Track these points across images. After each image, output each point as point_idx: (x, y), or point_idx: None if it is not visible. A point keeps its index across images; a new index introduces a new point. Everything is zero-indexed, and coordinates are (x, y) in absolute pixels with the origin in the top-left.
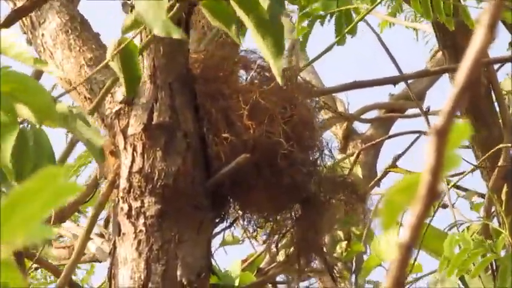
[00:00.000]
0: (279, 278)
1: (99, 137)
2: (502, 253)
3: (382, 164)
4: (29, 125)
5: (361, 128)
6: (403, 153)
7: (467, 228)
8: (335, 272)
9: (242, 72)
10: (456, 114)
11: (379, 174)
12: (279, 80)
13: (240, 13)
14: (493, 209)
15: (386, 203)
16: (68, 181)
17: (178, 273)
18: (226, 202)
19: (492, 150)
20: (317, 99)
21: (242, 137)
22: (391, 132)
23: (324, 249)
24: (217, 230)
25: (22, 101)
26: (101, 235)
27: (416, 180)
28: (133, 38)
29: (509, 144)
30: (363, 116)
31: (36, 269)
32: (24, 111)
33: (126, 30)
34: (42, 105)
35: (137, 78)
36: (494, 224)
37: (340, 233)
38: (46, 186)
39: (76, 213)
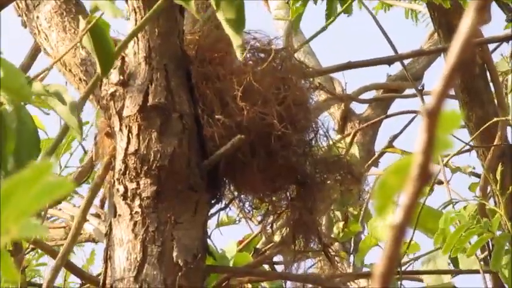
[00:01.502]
0: (276, 258)
1: (76, 113)
2: (498, 233)
3: (380, 145)
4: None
5: (359, 109)
6: (400, 133)
7: (464, 208)
8: (331, 252)
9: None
10: (448, 95)
11: (378, 151)
12: (238, 55)
13: None
14: (488, 189)
15: (380, 187)
16: (59, 178)
17: (175, 254)
18: (222, 183)
19: (487, 124)
20: (311, 79)
21: (235, 119)
22: (388, 113)
23: (320, 230)
24: (213, 211)
25: None
26: (97, 215)
27: (409, 162)
28: (101, 15)
29: (505, 118)
30: (360, 97)
31: (32, 249)
32: None
33: (95, 10)
34: (15, 86)
35: (110, 56)
36: (490, 203)
37: (338, 214)
38: (37, 180)
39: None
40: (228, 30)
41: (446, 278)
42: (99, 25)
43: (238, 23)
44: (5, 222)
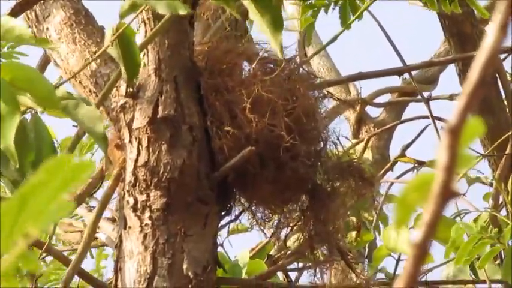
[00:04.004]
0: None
1: (101, 121)
2: (510, 242)
3: (394, 147)
4: (30, 116)
5: (373, 111)
6: (412, 142)
7: (478, 217)
8: (350, 259)
9: (247, 64)
10: (471, 111)
11: (391, 158)
12: (279, 54)
13: None
14: (501, 199)
15: (400, 201)
16: (82, 160)
17: (185, 266)
18: (232, 195)
19: (500, 140)
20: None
21: (244, 130)
22: (403, 116)
23: (336, 237)
24: (223, 222)
25: (24, 89)
26: (113, 219)
27: (431, 178)
28: (131, 22)
29: None
30: (375, 100)
31: (44, 257)
32: (26, 100)
33: (124, 14)
34: (43, 92)
35: (137, 63)
36: (503, 214)
37: (353, 219)
38: (56, 172)
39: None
40: (265, 31)
41: None
42: (125, 32)
43: (276, 22)
44: (26, 222)
